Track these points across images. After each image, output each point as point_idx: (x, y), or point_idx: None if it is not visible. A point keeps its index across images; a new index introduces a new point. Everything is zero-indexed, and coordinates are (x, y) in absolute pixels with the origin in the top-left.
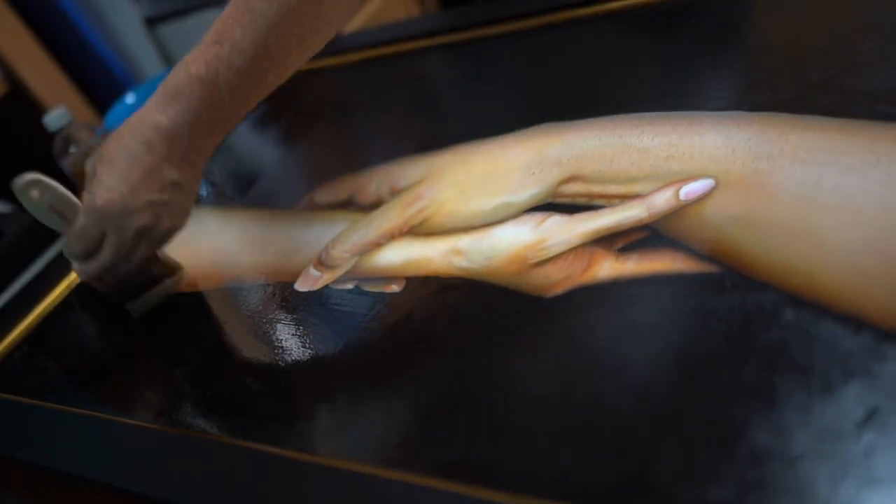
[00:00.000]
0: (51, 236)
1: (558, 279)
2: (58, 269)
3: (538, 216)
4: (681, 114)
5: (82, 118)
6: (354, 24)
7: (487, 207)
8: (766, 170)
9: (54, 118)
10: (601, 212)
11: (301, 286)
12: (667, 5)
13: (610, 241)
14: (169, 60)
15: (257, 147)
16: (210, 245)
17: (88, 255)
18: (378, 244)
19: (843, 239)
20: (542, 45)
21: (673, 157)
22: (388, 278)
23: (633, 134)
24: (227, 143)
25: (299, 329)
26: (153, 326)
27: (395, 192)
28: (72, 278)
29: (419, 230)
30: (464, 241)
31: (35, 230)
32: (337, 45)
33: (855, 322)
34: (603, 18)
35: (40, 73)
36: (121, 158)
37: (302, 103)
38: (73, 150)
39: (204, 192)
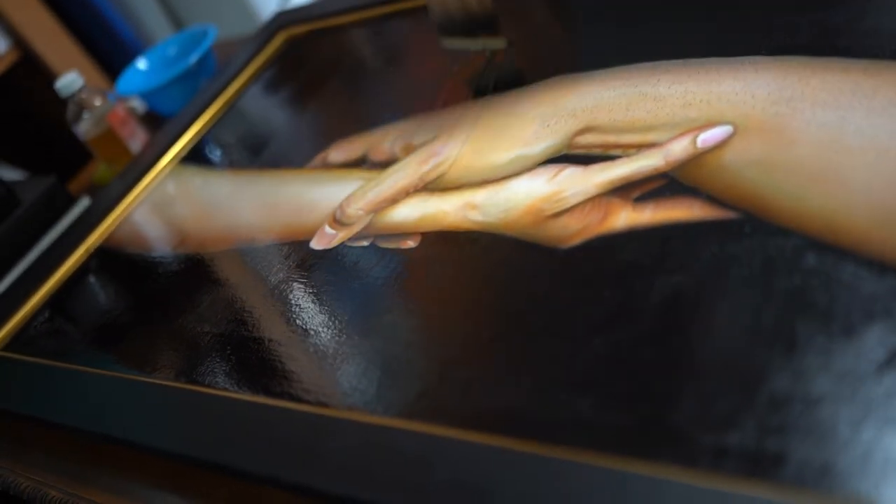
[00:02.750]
0: (68, 203)
1: (575, 230)
2: (75, 234)
3: (553, 168)
4: (697, 61)
5: (94, 83)
6: None
7: (502, 161)
8: (786, 113)
9: (66, 84)
10: (617, 162)
11: (317, 244)
12: None
13: (627, 190)
14: (178, 24)
15: (270, 107)
16: (225, 207)
17: None
18: (393, 201)
19: (867, 180)
20: None
21: (690, 104)
22: (404, 234)
23: (648, 83)
24: (242, 104)
25: (317, 288)
26: (172, 288)
27: (410, 150)
28: (90, 243)
29: (434, 186)
30: (479, 195)
31: (53, 197)
32: (352, 2)
33: (878, 264)
34: None
35: (50, 40)
36: None
37: (315, 62)
38: (86, 115)
39: (219, 154)
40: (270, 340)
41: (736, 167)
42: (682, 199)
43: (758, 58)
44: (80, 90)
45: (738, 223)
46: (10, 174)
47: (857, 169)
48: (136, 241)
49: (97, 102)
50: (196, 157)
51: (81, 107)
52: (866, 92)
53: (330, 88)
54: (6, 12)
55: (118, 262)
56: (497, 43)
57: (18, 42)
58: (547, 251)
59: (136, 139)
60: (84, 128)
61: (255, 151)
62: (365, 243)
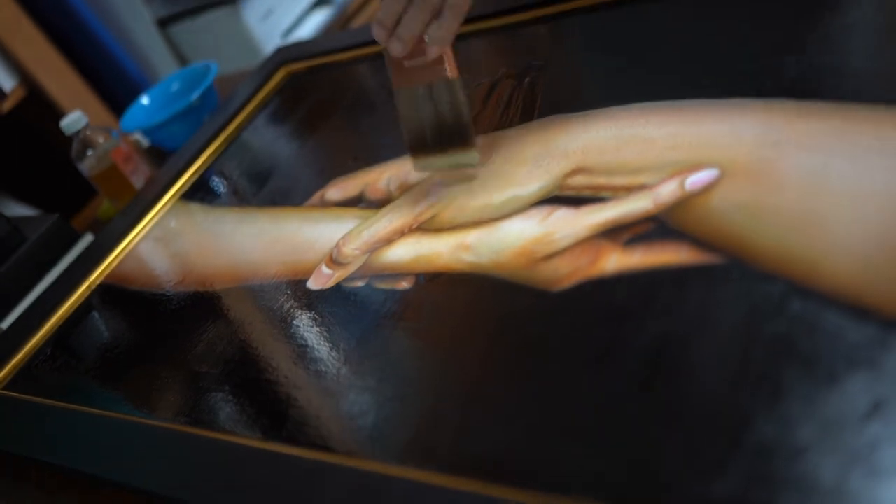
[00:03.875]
0: (72, 239)
1: (566, 272)
2: (78, 271)
3: (545, 209)
4: (685, 103)
5: (99, 120)
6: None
7: (496, 201)
8: (771, 157)
9: (71, 122)
10: (608, 204)
11: (313, 284)
12: None
13: (617, 233)
14: (182, 60)
15: (271, 142)
16: (226, 244)
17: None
18: (388, 241)
19: (849, 227)
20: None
21: (678, 146)
22: (399, 275)
23: (638, 124)
24: (243, 139)
25: (312, 329)
26: (172, 325)
27: (405, 188)
28: (92, 279)
29: (428, 226)
30: (472, 236)
31: (57, 233)
32: (352, 39)
33: (860, 312)
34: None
35: (57, 77)
36: None
37: (315, 97)
38: (90, 152)
39: (221, 190)
40: (266, 381)
41: (723, 211)
42: (671, 243)
43: (744, 100)
44: (85, 128)
45: (724, 268)
46: (17, 210)
47: (840, 215)
48: (138, 278)
49: (101, 139)
50: (198, 192)
51: (85, 144)
52: (848, 136)
53: (330, 124)
54: (14, 50)
55: (120, 299)
56: (469, 158)
57: (25, 79)
58: (538, 294)
59: (140, 175)
60: (88, 165)
61: (256, 186)
62: (360, 284)
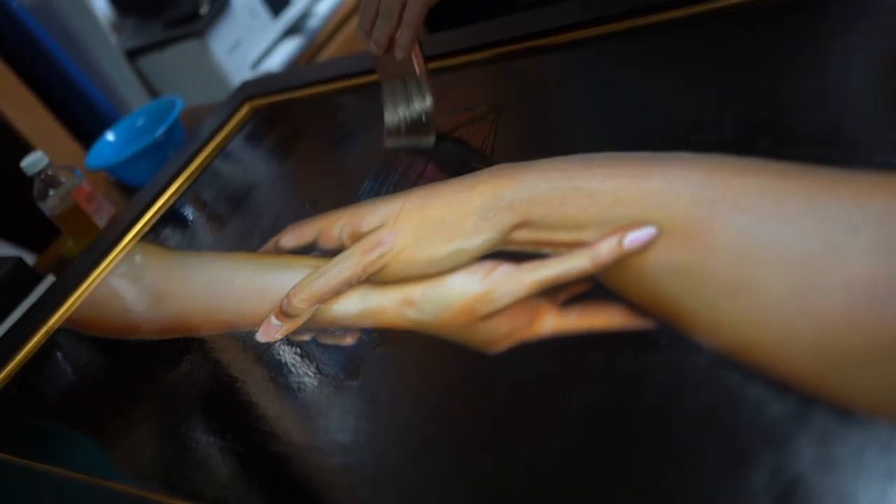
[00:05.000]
0: (33, 281)
1: (503, 333)
2: (35, 316)
3: (488, 265)
4: (629, 155)
5: (68, 153)
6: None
7: (442, 254)
8: (706, 217)
9: (32, 162)
10: (548, 261)
11: (262, 336)
12: (611, 38)
13: (554, 293)
14: (152, 92)
15: (231, 181)
16: (181, 292)
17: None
18: (337, 292)
19: (776, 295)
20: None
21: (619, 201)
22: (344, 330)
23: (583, 177)
24: (204, 179)
25: (257, 386)
26: (121, 377)
27: (357, 237)
28: (50, 324)
29: (376, 278)
30: (416, 291)
31: (18, 275)
32: (317, 74)
33: (781, 386)
34: (577, 45)
35: (23, 110)
36: None
37: (279, 133)
38: (52, 192)
39: (180, 231)
40: (209, 442)
41: (657, 273)
42: (605, 306)
43: (686, 155)
44: (46, 167)
45: (654, 335)
46: None
47: (767, 282)
48: (94, 324)
49: (63, 179)
50: (159, 233)
51: (47, 184)
52: (781, 196)
53: (290, 163)
54: None
55: (76, 346)
56: (427, 141)
57: None
58: (476, 356)
59: (103, 214)
60: (50, 204)
61: (215, 227)
62: (306, 338)
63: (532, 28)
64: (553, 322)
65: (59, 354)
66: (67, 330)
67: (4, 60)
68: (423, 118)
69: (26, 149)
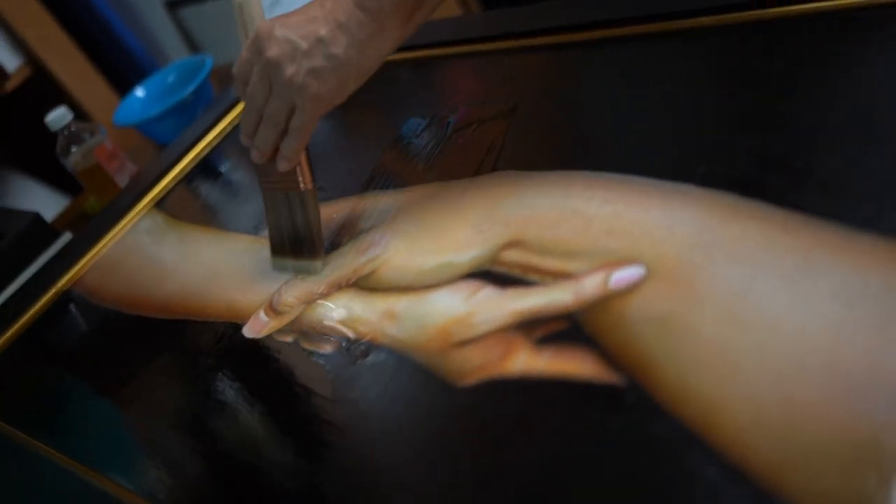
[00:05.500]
0: (50, 238)
1: (475, 365)
2: (45, 277)
3: (472, 285)
4: (633, 180)
5: (104, 102)
6: None
7: (431, 265)
8: (699, 262)
9: (55, 118)
10: (531, 291)
11: (249, 331)
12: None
13: (531, 328)
14: (191, 44)
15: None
16: (180, 269)
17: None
18: (327, 293)
19: (752, 369)
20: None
21: (614, 231)
22: (325, 336)
23: (582, 197)
24: (225, 146)
25: (235, 383)
26: (111, 354)
27: (353, 234)
28: (59, 286)
29: (364, 283)
30: (400, 304)
31: (34, 232)
32: None
33: (740, 473)
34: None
35: (62, 57)
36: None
37: None
38: (74, 149)
39: (195, 199)
40: (179, 444)
41: (636, 321)
42: (578, 352)
43: (689, 187)
44: (69, 124)
45: (622, 392)
46: (27, 187)
47: (746, 354)
48: (99, 293)
49: (86, 136)
50: (173, 199)
51: (70, 140)
52: (779, 251)
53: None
54: (19, 29)
55: (81, 313)
56: (313, 268)
57: (31, 59)
58: (444, 388)
59: (125, 173)
60: (73, 161)
61: (230, 198)
62: (289, 339)
63: (564, 21)
64: (524, 361)
65: (66, 318)
66: (76, 296)
67: (44, 6)
68: (307, 240)
69: (62, 95)
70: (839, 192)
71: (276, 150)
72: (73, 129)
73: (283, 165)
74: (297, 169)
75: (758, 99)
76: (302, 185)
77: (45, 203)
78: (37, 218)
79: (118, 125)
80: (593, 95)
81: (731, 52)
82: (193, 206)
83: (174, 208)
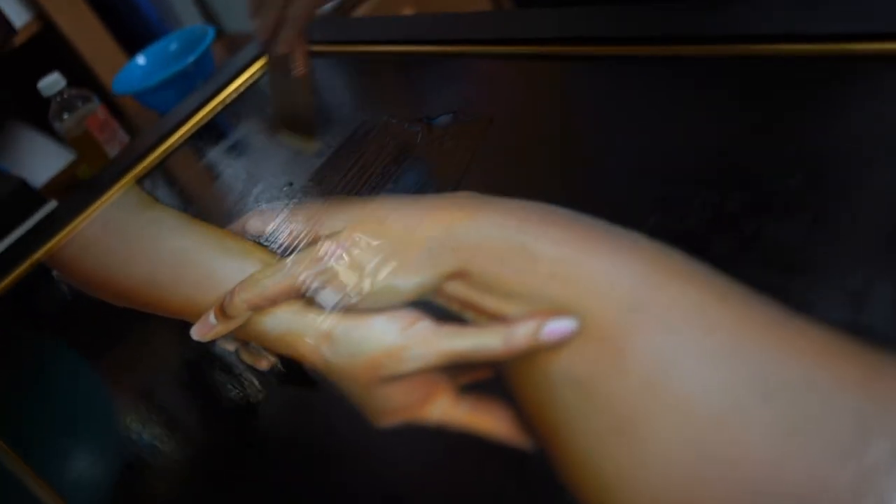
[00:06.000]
0: (35, 204)
1: (395, 406)
2: (23, 245)
3: (410, 316)
4: (587, 221)
5: (112, 61)
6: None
7: (376, 287)
8: (632, 325)
9: (48, 84)
10: (464, 332)
11: (196, 333)
12: (636, 61)
13: (457, 373)
14: (204, 9)
15: (240, 132)
16: (145, 256)
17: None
18: (275, 302)
19: (660, 452)
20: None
21: (556, 276)
22: (264, 350)
23: (534, 233)
24: (216, 122)
25: (173, 395)
26: (68, 338)
27: (315, 241)
28: (39, 254)
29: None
30: (341, 326)
31: (19, 197)
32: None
33: None
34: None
35: (71, 13)
36: None
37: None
38: (66, 116)
39: (176, 179)
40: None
41: (558, 380)
42: (495, 408)
43: (638, 237)
44: (62, 90)
45: (527, 458)
46: (34, 142)
47: (656, 434)
48: (72, 271)
49: (79, 104)
50: (155, 177)
51: (63, 107)
52: (710, 324)
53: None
54: None
55: (49, 289)
56: (308, 147)
57: (40, 14)
58: (364, 425)
59: (115, 144)
60: (65, 127)
61: (209, 183)
62: (231, 347)
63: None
64: (443, 409)
65: (31, 297)
66: (49, 267)
67: None
68: (300, 121)
69: (71, 52)
70: (784, 265)
71: (275, 32)
72: (65, 95)
73: (279, 48)
74: (295, 55)
75: (727, 148)
76: (299, 70)
77: (51, 161)
78: (22, 184)
79: (116, 93)
80: (572, 114)
81: (716, 88)
82: (174, 187)
83: (154, 187)
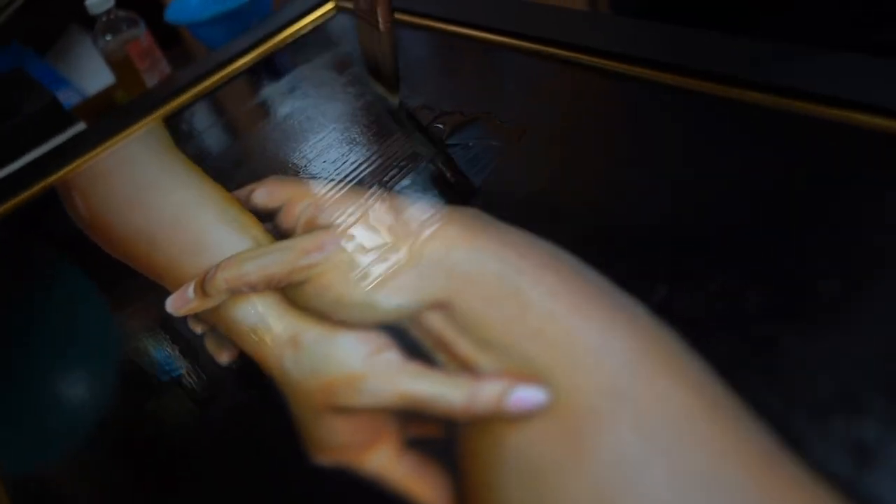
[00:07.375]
0: (64, 123)
1: (338, 444)
2: (43, 165)
3: (379, 342)
4: (590, 278)
5: None
6: None
7: (356, 300)
8: (605, 414)
9: (96, 2)
10: (428, 375)
11: (171, 305)
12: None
13: (409, 421)
14: None
15: (281, 85)
16: (144, 204)
17: None
18: (254, 287)
19: None
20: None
21: (541, 334)
22: (229, 342)
23: (531, 278)
24: (256, 70)
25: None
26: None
27: (311, 227)
28: (50, 180)
29: (290, 292)
30: (311, 334)
31: (49, 115)
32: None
33: None
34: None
35: None
36: None
37: (344, 50)
38: (108, 37)
39: (204, 124)
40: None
41: (510, 458)
42: (435, 476)
43: (639, 311)
44: (109, 11)
45: None
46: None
47: None
48: (71, 203)
49: (124, 27)
50: (184, 118)
51: (107, 28)
52: (690, 438)
53: (334, 92)
54: None
55: (53, 218)
56: (391, 98)
57: None
58: (303, 456)
59: (155, 74)
60: (107, 49)
61: (236, 136)
62: (199, 330)
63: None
64: (382, 462)
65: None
66: (59, 192)
67: None
68: (383, 74)
69: None
70: (791, 386)
71: None
72: (112, 16)
73: (362, 3)
74: (376, 9)
75: (763, 226)
76: (381, 26)
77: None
78: (53, 101)
79: (168, 21)
80: (615, 143)
81: (777, 150)
82: (197, 134)
83: (181, 130)
